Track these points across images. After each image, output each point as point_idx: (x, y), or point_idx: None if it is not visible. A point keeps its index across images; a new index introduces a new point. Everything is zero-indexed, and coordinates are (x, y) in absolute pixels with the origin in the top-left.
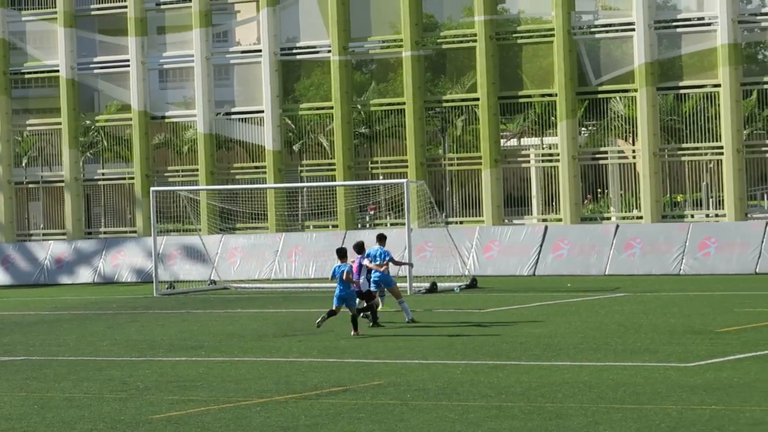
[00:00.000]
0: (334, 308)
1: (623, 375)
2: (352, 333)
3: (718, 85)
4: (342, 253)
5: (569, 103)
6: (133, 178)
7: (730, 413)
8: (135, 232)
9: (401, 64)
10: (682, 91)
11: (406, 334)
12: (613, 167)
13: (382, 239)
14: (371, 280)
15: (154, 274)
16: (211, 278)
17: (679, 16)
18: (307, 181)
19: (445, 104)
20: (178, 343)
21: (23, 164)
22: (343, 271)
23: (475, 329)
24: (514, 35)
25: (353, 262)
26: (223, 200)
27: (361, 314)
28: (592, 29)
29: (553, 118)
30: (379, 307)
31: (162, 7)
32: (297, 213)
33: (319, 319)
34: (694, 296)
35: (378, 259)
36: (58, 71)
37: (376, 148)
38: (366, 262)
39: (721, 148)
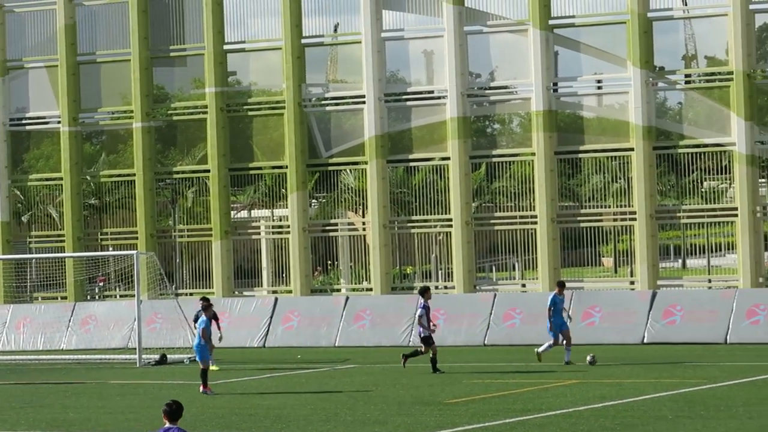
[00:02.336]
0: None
1: None
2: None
3: (448, 158)
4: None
5: (300, 175)
6: None
7: None
8: None
9: (131, 135)
10: (412, 164)
11: (136, 407)
12: (343, 239)
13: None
14: None
15: None
16: None
17: (409, 90)
18: (36, 252)
19: (175, 176)
20: None
21: None
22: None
23: (205, 400)
24: (244, 107)
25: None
26: None
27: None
28: (323, 102)
29: (283, 190)
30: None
31: None
32: (26, 284)
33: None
34: (424, 368)
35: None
36: None
37: (106, 219)
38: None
39: (451, 220)
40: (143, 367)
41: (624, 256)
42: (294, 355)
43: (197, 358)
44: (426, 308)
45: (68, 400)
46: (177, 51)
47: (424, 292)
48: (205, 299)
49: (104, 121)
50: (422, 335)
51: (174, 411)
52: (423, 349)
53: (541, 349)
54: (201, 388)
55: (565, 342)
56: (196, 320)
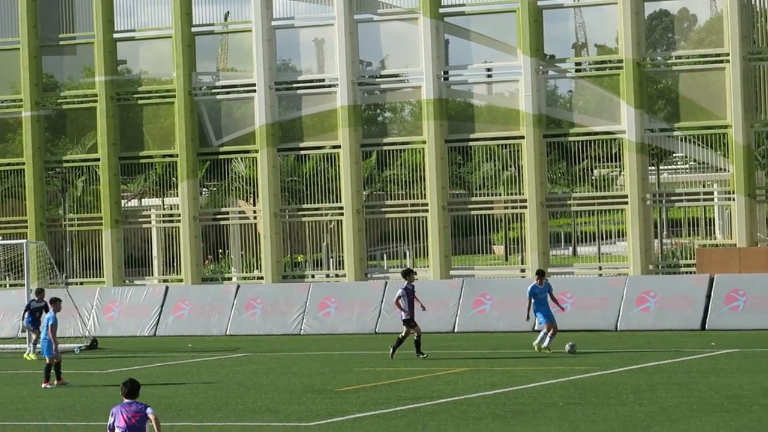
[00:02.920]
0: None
1: None
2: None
3: (339, 146)
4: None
5: (190, 164)
6: None
7: None
8: None
9: (21, 124)
10: (302, 152)
11: (25, 396)
12: (234, 227)
13: None
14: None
15: None
16: None
17: (300, 78)
18: None
19: (65, 164)
20: None
21: None
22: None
23: (95, 390)
24: (135, 96)
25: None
26: None
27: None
28: (213, 90)
29: (174, 179)
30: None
31: None
32: None
33: None
34: (315, 356)
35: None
36: None
37: None
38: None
39: (342, 208)
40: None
41: (515, 244)
42: (185, 343)
43: (44, 354)
44: (408, 290)
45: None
46: (66, 39)
47: (406, 274)
48: (40, 293)
49: None
50: (403, 318)
51: (131, 389)
52: (403, 333)
53: (544, 344)
54: (43, 384)
55: (551, 331)
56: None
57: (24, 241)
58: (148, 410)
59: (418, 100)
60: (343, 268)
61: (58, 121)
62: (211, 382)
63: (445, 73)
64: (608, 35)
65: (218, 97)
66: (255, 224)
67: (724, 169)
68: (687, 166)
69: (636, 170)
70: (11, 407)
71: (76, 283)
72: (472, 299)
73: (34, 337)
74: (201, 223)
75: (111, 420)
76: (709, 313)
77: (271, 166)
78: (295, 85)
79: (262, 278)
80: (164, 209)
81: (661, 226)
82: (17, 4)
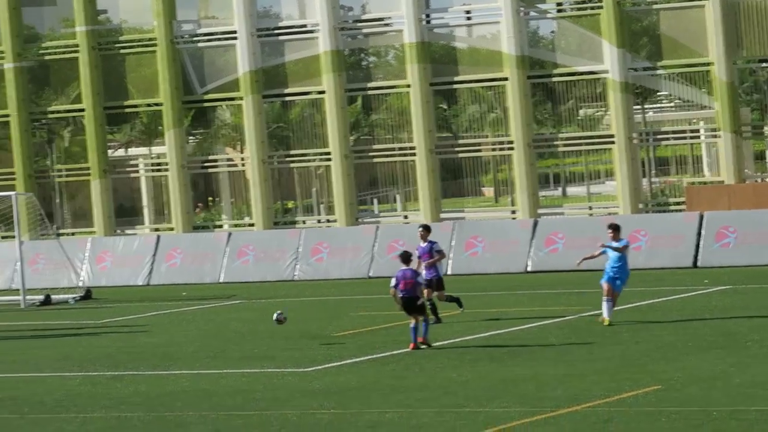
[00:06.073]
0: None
1: (242, 382)
2: None
3: (323, 92)
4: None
5: (176, 112)
6: None
7: (348, 416)
8: None
9: (3, 76)
10: (287, 99)
11: (22, 348)
12: (222, 175)
13: None
14: None
15: None
16: None
17: (281, 24)
18: None
19: (50, 116)
20: None
21: None
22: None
23: (91, 340)
24: (116, 45)
25: None
26: None
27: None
28: (195, 38)
29: (160, 128)
30: None
31: None
32: None
33: None
34: (310, 302)
35: None
36: None
37: None
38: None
39: (329, 154)
40: (28, 308)
41: (504, 186)
42: (179, 292)
43: None
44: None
45: None
46: None
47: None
48: None
49: None
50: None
51: (406, 256)
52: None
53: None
54: None
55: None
56: None
57: (13, 193)
58: (419, 278)
59: (401, 44)
60: (333, 214)
61: (41, 73)
62: (206, 329)
63: (427, 16)
64: None
65: (200, 45)
66: (243, 171)
67: (709, 107)
68: (672, 104)
69: (621, 109)
70: (8, 358)
71: (68, 234)
72: (463, 242)
73: None
74: (189, 172)
75: (393, 281)
76: (700, 250)
77: (256, 113)
78: (276, 32)
79: (253, 225)
80: (151, 158)
81: (649, 165)
82: None
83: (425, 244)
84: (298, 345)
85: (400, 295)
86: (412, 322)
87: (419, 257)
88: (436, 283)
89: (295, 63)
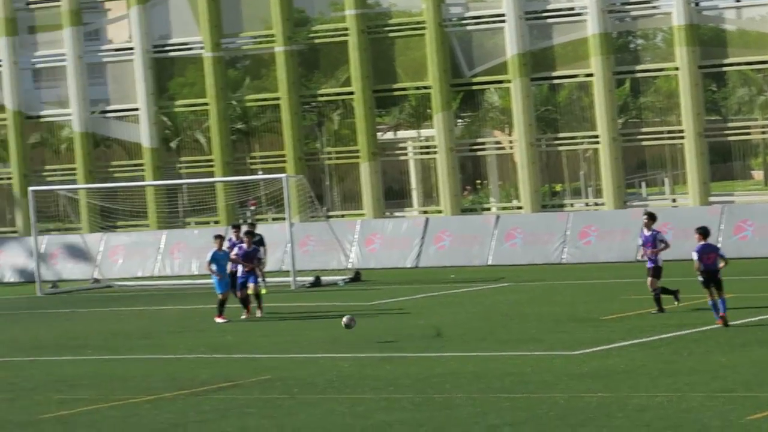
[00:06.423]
0: None
1: (510, 364)
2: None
3: (591, 75)
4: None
5: (444, 95)
6: (10, 179)
7: (617, 400)
8: (15, 232)
9: (274, 60)
10: (555, 81)
11: (293, 329)
12: (490, 158)
13: None
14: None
15: (36, 274)
16: (95, 276)
17: (549, 7)
18: (186, 178)
19: (320, 99)
20: (64, 343)
21: None
22: None
23: (361, 322)
24: (385, 29)
25: None
26: (103, 198)
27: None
28: (463, 21)
29: (428, 110)
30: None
31: (31, 6)
32: (177, 210)
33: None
34: (577, 285)
35: None
36: None
37: (253, 143)
38: None
39: (597, 137)
40: (298, 289)
41: None
42: (447, 274)
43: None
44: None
45: (225, 323)
46: None
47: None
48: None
49: (247, 45)
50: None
51: (705, 230)
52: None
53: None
54: (216, 318)
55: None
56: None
57: (284, 175)
58: (720, 251)
59: (669, 26)
60: (602, 197)
61: (310, 56)
62: (475, 312)
63: None
64: None
65: (468, 28)
66: (511, 154)
67: None
68: None
69: None
70: (279, 339)
71: (338, 216)
72: (732, 225)
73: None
74: (457, 154)
75: (695, 255)
76: None
77: (524, 95)
78: (544, 14)
79: (521, 208)
80: (420, 141)
81: None
82: None
83: (649, 233)
84: (566, 328)
85: (702, 268)
86: (709, 299)
87: (642, 245)
88: (654, 271)
89: (563, 46)
